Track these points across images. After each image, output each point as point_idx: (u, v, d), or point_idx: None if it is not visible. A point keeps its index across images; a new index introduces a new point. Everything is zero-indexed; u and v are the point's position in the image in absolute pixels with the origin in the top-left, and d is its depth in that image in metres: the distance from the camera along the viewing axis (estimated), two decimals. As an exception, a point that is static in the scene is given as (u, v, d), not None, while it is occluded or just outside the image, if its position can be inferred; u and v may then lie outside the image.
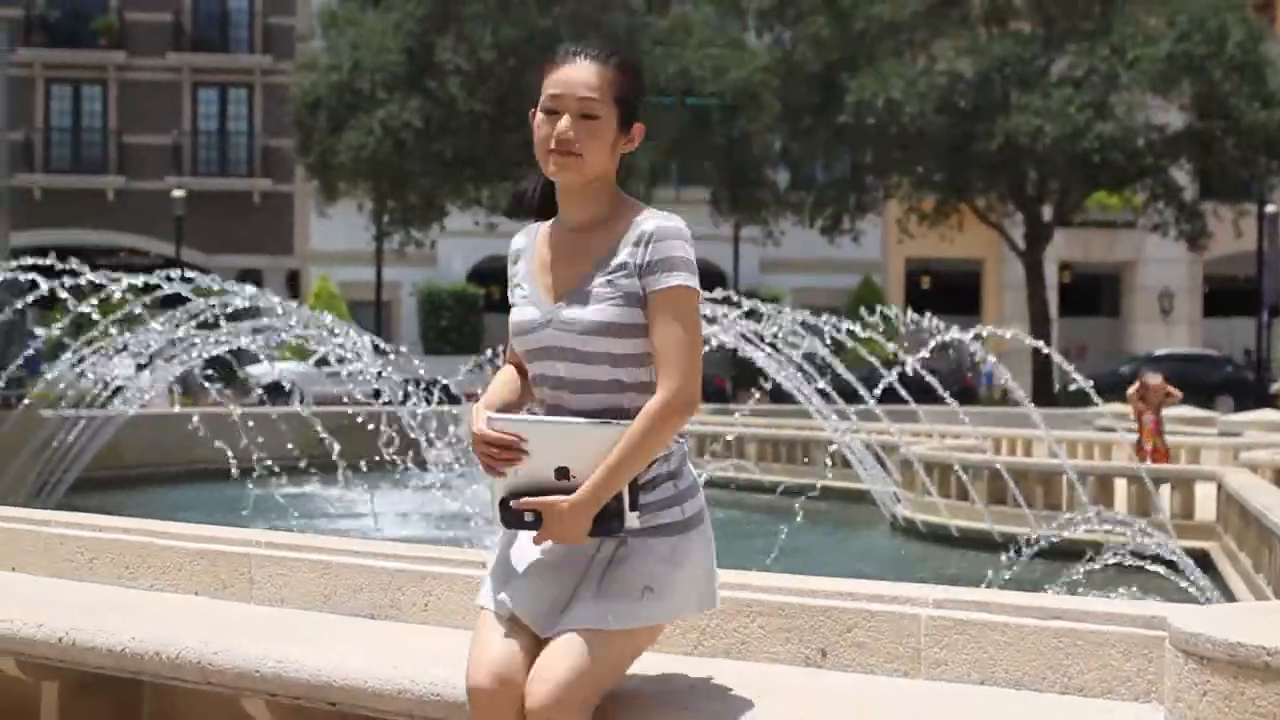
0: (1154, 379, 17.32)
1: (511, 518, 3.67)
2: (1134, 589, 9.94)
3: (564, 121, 3.70)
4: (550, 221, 3.89)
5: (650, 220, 3.69)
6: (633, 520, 3.62)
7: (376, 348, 19.59)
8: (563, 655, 3.57)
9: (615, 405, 3.68)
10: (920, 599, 4.10)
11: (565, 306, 3.71)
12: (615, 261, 3.68)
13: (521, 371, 3.90)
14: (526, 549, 3.74)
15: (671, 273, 3.65)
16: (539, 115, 3.75)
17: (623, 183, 3.88)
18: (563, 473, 3.64)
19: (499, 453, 3.67)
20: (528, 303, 3.78)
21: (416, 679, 4.11)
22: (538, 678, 3.55)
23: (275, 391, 28.05)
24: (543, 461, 3.66)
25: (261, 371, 31.58)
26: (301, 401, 19.46)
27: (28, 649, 4.93)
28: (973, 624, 3.99)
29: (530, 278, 3.82)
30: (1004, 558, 11.05)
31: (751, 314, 17.91)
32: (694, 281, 3.67)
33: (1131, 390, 17.64)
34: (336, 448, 16.29)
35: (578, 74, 3.72)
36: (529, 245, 3.89)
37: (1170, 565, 10.88)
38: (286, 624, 4.85)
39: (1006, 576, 10.27)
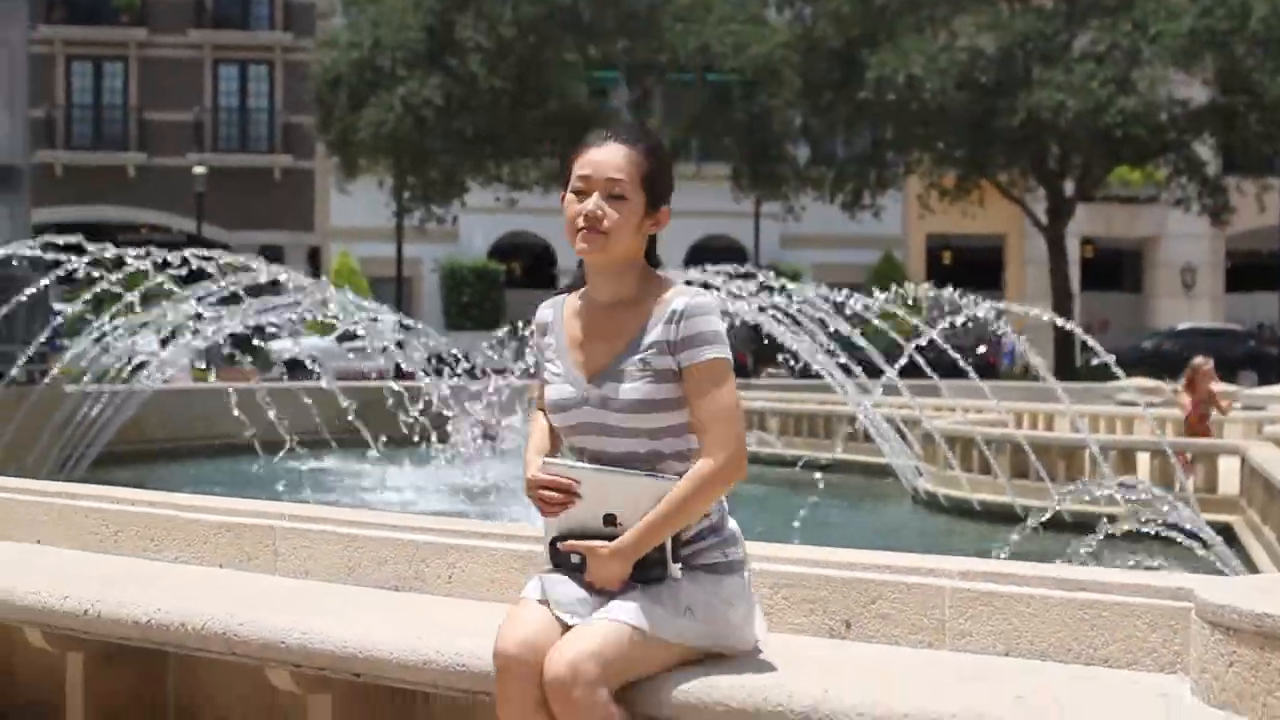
0: (1205, 365, 17.03)
1: (559, 557, 3.82)
2: (1160, 561, 9.92)
3: (591, 201, 3.81)
4: (576, 294, 4.00)
5: (680, 298, 3.82)
6: (675, 571, 3.78)
7: (402, 324, 19.64)
8: (589, 634, 3.67)
9: (663, 470, 3.83)
10: (945, 571, 4.11)
11: (600, 385, 3.84)
12: (648, 340, 3.82)
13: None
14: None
15: (705, 347, 3.78)
16: (569, 196, 3.86)
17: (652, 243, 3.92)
18: (610, 519, 3.80)
19: (554, 496, 3.81)
20: (563, 381, 3.91)
21: (442, 650, 4.13)
22: (559, 648, 3.65)
23: (296, 367, 28.18)
24: (593, 507, 3.80)
25: (283, 347, 31.64)
26: (318, 376, 19.47)
27: (53, 620, 4.95)
28: (998, 595, 3.99)
29: (562, 354, 3.94)
30: (1021, 528, 10.99)
31: (773, 289, 17.89)
32: (727, 353, 3.81)
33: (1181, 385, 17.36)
34: (361, 422, 16.36)
35: (606, 156, 3.83)
36: (557, 319, 4.00)
37: (1192, 538, 10.86)
38: (311, 596, 4.87)
39: (1010, 543, 10.21)
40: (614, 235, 3.81)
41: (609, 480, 3.80)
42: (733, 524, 3.96)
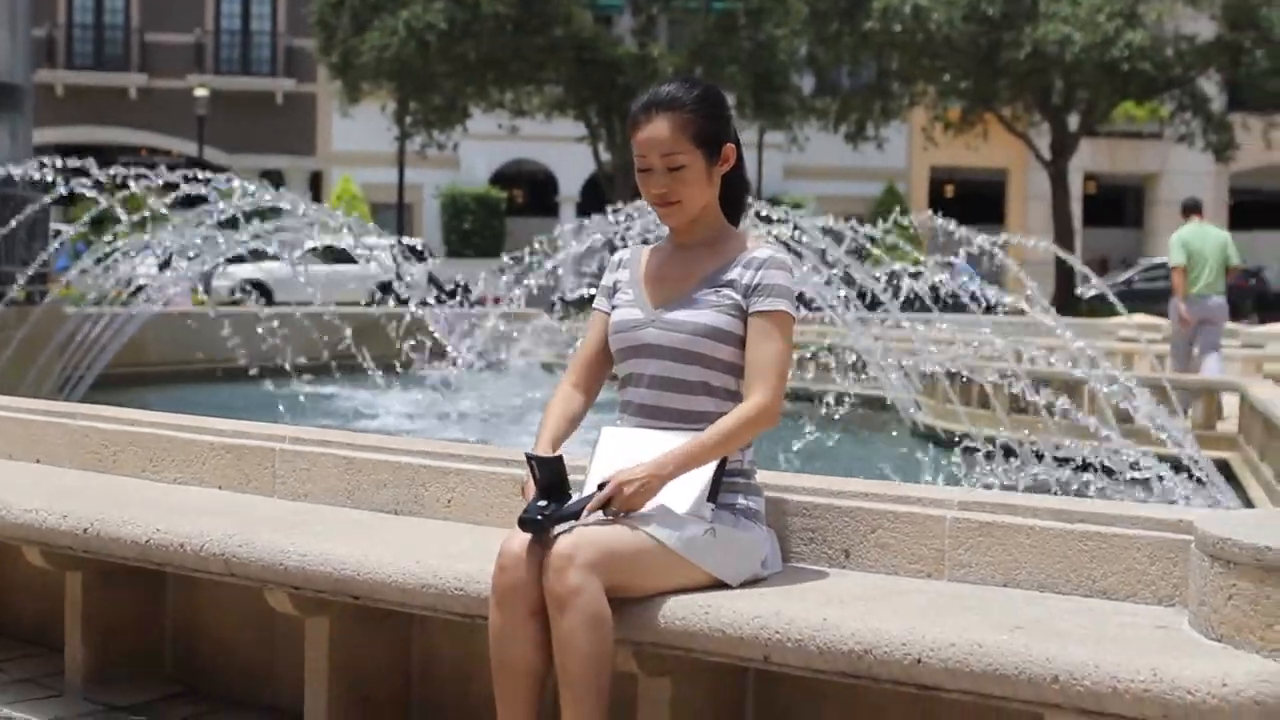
0: None
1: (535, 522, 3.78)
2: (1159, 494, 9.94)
3: (656, 180, 4.02)
4: (655, 243, 4.24)
5: (764, 250, 4.04)
6: (705, 509, 3.86)
7: (416, 251, 19.56)
8: (601, 528, 3.74)
9: (698, 408, 3.98)
10: (945, 501, 4.10)
11: (670, 310, 4.03)
12: (725, 277, 4.00)
13: (583, 388, 4.20)
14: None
15: (777, 299, 3.98)
16: (637, 172, 4.07)
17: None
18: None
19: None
20: (632, 305, 4.11)
21: (440, 574, 4.13)
22: (567, 534, 3.70)
23: (258, 289, 28.20)
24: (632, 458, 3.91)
25: (240, 270, 31.25)
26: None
27: (53, 539, 4.96)
28: (997, 526, 3.99)
29: (635, 284, 4.16)
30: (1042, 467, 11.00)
31: (772, 220, 17.81)
32: (794, 310, 4.03)
33: None
34: (358, 348, 16.35)
35: (655, 133, 3.99)
36: (634, 258, 4.23)
37: (1189, 473, 10.89)
38: (310, 518, 4.87)
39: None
40: (686, 201, 4.03)
41: (658, 436, 3.93)
42: (757, 477, 4.10)
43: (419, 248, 19.77)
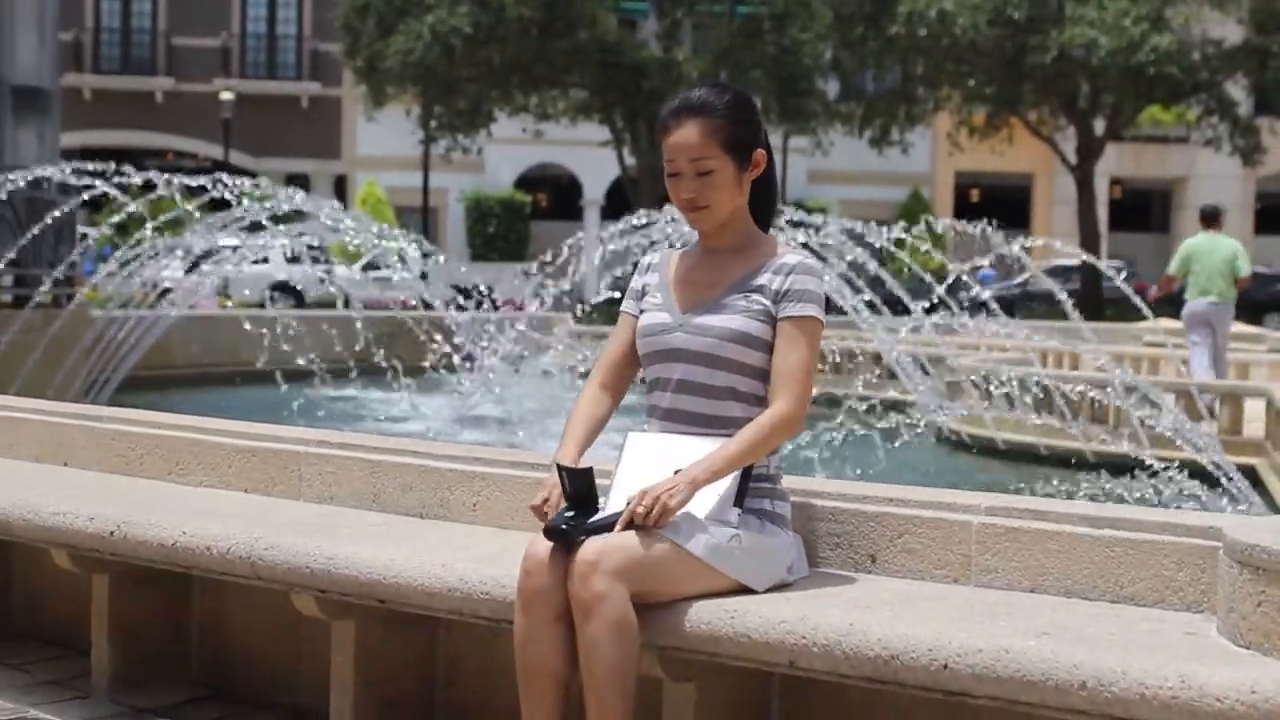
0: None
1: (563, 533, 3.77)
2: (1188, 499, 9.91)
3: (685, 185, 4.01)
4: (685, 248, 4.24)
5: (793, 255, 4.03)
6: (731, 515, 3.86)
7: (424, 253, 19.59)
8: (626, 535, 3.72)
9: (725, 413, 3.96)
10: (972, 506, 4.09)
11: (698, 315, 4.02)
12: (754, 282, 3.99)
13: (610, 389, 4.18)
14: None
15: (807, 304, 3.97)
16: (666, 176, 4.06)
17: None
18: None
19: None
20: (660, 309, 4.10)
21: (466, 578, 4.13)
22: (593, 540, 3.70)
23: (284, 290, 28.25)
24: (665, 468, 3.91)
25: (264, 272, 31.52)
26: (347, 306, 19.52)
27: (80, 541, 4.97)
28: (1024, 532, 3.98)
29: (664, 288, 4.14)
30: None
31: (799, 224, 17.80)
32: (823, 316, 4.02)
33: None
34: (383, 352, 16.37)
35: (685, 138, 3.98)
36: (663, 262, 4.22)
37: (1215, 480, 10.85)
38: (336, 521, 4.87)
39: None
40: (715, 206, 4.02)
41: (684, 441, 3.92)
42: (783, 482, 4.09)
43: (428, 251, 19.74)
